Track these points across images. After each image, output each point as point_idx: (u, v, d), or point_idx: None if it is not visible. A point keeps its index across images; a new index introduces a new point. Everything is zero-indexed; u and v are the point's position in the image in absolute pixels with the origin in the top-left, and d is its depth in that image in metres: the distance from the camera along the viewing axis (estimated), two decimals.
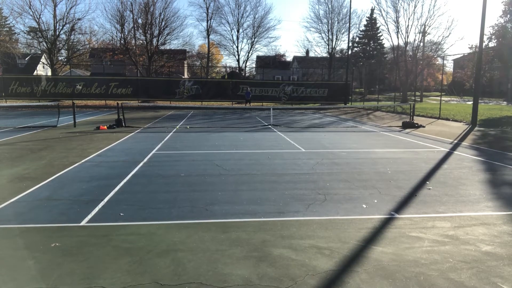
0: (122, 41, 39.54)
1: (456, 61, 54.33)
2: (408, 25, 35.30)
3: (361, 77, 52.60)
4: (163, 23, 39.52)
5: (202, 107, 29.68)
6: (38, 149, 10.30)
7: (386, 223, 4.94)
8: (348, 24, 37.70)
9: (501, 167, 8.53)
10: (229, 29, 47.05)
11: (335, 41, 44.91)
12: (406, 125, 16.99)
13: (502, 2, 40.85)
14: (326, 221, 4.98)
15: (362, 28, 57.97)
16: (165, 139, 12.29)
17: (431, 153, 10.32)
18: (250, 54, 47.69)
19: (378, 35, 57.91)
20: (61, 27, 38.60)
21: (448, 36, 48.52)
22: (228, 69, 56.11)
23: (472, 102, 19.29)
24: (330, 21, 44.41)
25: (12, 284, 3.35)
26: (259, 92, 34.17)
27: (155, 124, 17.55)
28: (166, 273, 3.57)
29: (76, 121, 16.48)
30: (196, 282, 3.41)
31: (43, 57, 49.04)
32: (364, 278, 3.50)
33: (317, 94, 34.91)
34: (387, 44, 58.12)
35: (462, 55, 45.86)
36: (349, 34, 35.47)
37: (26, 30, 39.87)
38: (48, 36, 38.21)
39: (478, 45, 19.09)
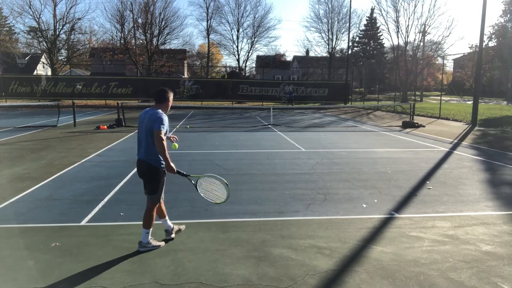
0: (122, 41, 39.61)
1: (456, 61, 54.21)
2: (408, 25, 35.23)
3: (361, 77, 52.53)
4: (163, 23, 39.62)
5: (202, 107, 29.67)
6: (38, 149, 10.30)
7: (386, 222, 4.94)
8: (348, 24, 37.78)
9: (501, 167, 8.53)
10: (229, 28, 47.10)
11: (335, 41, 44.96)
12: (406, 125, 16.99)
13: (502, 2, 40.85)
14: (326, 221, 4.98)
15: (362, 27, 57.99)
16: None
17: (431, 152, 10.31)
18: (250, 54, 47.71)
19: (378, 34, 57.86)
20: (61, 27, 38.71)
21: (448, 35, 48.48)
22: (228, 68, 56.13)
23: (472, 101, 19.28)
24: (330, 21, 44.45)
25: (12, 284, 3.35)
26: (259, 91, 34.22)
27: None
28: (166, 273, 3.56)
29: (76, 120, 16.48)
30: (196, 282, 3.41)
31: (43, 57, 49.02)
32: (364, 277, 3.50)
33: (317, 94, 34.92)
34: (387, 43, 58.10)
35: (462, 54, 45.74)
36: (349, 34, 35.56)
37: (26, 30, 39.97)
38: (48, 36, 38.26)
39: (478, 44, 19.07)
